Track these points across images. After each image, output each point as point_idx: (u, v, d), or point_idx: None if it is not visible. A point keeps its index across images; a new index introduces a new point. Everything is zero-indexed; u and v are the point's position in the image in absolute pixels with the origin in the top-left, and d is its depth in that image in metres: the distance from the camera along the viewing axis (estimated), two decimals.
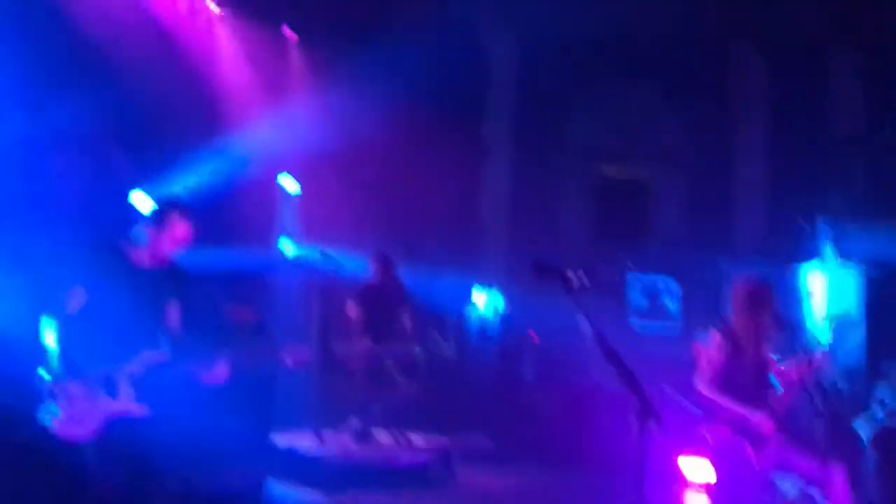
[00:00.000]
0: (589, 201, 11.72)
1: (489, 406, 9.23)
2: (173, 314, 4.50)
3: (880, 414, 7.40)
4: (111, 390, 4.11)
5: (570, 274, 3.30)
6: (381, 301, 8.16)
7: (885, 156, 10.58)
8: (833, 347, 5.10)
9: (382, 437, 7.96)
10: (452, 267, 9.87)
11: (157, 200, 4.61)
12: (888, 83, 10.48)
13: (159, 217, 4.43)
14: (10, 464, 4.39)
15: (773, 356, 5.10)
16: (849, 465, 5.07)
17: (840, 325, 5.01)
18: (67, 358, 4.07)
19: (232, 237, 8.45)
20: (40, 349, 4.12)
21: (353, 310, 8.16)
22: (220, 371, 4.37)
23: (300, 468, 7.14)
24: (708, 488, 6.12)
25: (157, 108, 7.45)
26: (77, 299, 4.19)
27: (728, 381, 4.92)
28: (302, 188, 9.26)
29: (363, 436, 7.80)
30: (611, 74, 10.90)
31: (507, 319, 9.90)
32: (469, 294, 10.28)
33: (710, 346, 5.03)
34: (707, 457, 5.91)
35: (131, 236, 4.46)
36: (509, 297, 10.18)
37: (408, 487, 7.05)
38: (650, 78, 10.99)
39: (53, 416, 3.96)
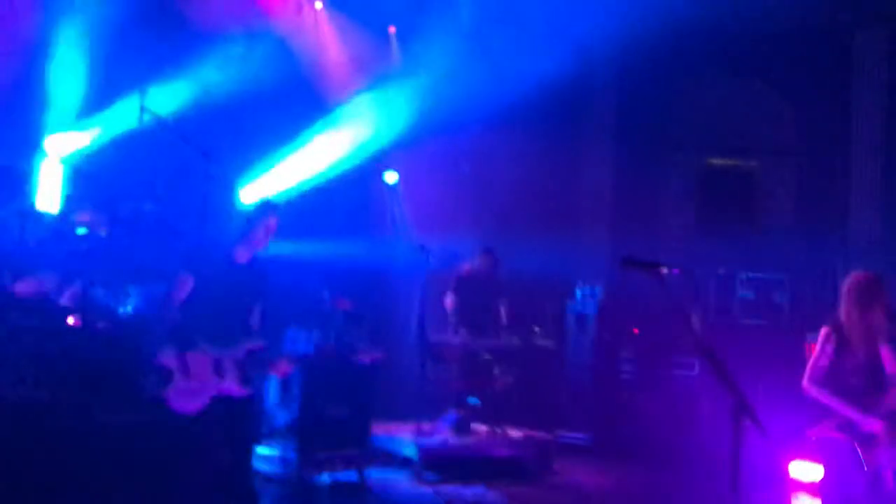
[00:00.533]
0: (693, 194, 11.45)
1: (587, 401, 9.16)
2: (257, 309, 4.91)
3: None
4: (220, 371, 4.50)
5: (663, 269, 3.24)
6: (479, 292, 8.21)
7: None
8: None
9: (480, 429, 8.00)
10: (554, 260, 9.82)
11: (252, 203, 5.04)
12: None
13: (257, 217, 4.86)
14: (124, 431, 4.69)
15: (887, 352, 4.88)
16: None
17: None
18: (183, 337, 4.46)
19: (336, 229, 8.67)
20: (158, 330, 4.56)
21: (450, 301, 8.24)
22: (284, 366, 4.85)
23: (399, 458, 7.26)
24: (817, 489, 5.93)
25: (261, 103, 7.72)
26: (186, 287, 4.62)
27: (837, 379, 4.77)
28: (403, 182, 9.39)
29: (461, 427, 7.85)
30: (718, 67, 10.62)
31: (607, 313, 9.77)
32: (571, 287, 10.19)
33: (819, 344, 4.87)
34: (815, 458, 5.73)
35: (231, 234, 4.89)
36: (610, 291, 10.05)
37: (505, 479, 7.07)
38: (760, 69, 10.65)
39: (170, 390, 4.31)
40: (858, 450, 4.63)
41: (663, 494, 7.09)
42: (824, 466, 5.10)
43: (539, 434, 8.14)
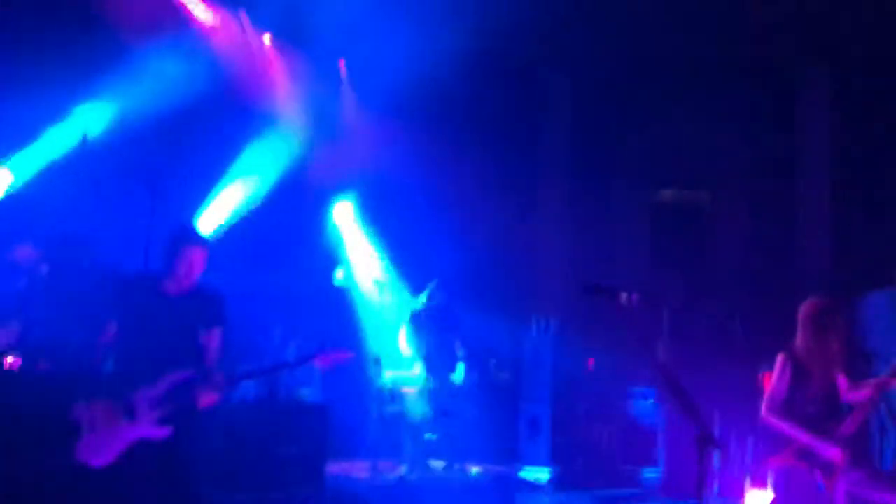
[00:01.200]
0: (646, 226, 11.57)
1: (545, 434, 9.09)
2: (211, 338, 4.62)
3: None
4: (130, 414, 4.05)
5: (623, 295, 3.20)
6: (434, 327, 8.11)
7: None
8: None
9: (438, 465, 7.86)
10: (510, 294, 9.78)
11: (173, 232, 4.71)
12: None
13: (176, 247, 4.57)
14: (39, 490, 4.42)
15: (843, 379, 4.89)
16: None
17: None
18: (94, 385, 4.24)
19: (282, 262, 8.52)
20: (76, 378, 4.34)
21: (404, 336, 8.14)
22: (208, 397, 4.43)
23: (353, 497, 7.09)
24: None
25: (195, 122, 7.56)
26: (110, 331, 4.45)
27: (794, 406, 4.75)
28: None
29: (419, 464, 7.71)
30: (669, 100, 10.78)
31: (564, 346, 9.74)
32: (526, 320, 10.16)
33: (776, 372, 4.85)
34: (776, 486, 5.72)
35: (161, 267, 4.63)
36: (567, 324, 10.04)
37: None
38: (710, 101, 10.85)
39: (79, 444, 3.86)
40: (819, 477, 4.61)
41: None
42: (784, 495, 5.09)
43: (498, 468, 8.03)
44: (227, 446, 6.34)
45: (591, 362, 9.68)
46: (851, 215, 10.85)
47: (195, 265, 4.56)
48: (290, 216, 8.93)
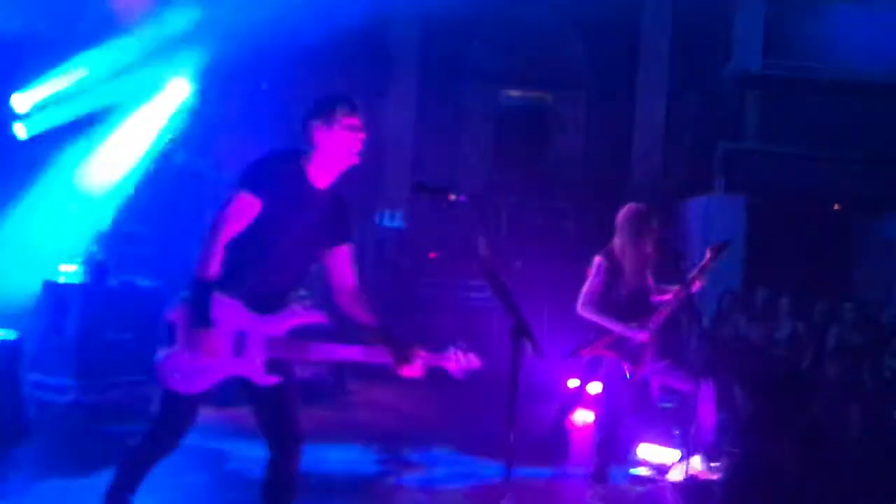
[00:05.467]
0: (491, 124, 11.81)
1: (384, 322, 9.32)
2: (340, 257, 3.59)
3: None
4: (240, 346, 3.31)
5: (451, 196, 3.33)
6: None
7: (775, 92, 10.98)
8: (711, 273, 5.32)
9: None
10: (355, 186, 9.80)
11: (324, 96, 3.58)
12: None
13: (332, 114, 3.45)
14: None
15: (653, 281, 5.31)
16: (717, 382, 5.39)
17: (720, 251, 5.25)
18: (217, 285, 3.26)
19: None
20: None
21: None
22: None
23: None
24: (591, 403, 6.46)
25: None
26: (250, 210, 3.32)
27: (608, 303, 5.10)
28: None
29: None
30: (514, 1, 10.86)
31: (407, 238, 9.97)
32: (371, 213, 10.28)
33: (593, 271, 5.19)
34: (588, 375, 6.22)
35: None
36: (411, 217, 10.24)
37: (301, 401, 7.11)
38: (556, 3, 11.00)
39: (166, 359, 3.27)
40: (625, 366, 5.05)
41: (452, 410, 7.42)
42: (597, 382, 5.55)
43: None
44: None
45: (432, 255, 9.96)
46: (684, 122, 11.50)
47: (356, 137, 3.44)
48: None
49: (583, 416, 6.87)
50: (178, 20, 8.32)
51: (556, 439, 6.44)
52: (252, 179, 3.33)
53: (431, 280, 9.79)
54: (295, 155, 3.44)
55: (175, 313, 3.29)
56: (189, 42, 8.48)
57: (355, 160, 3.46)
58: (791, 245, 10.44)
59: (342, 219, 3.57)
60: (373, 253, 9.79)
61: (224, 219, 3.28)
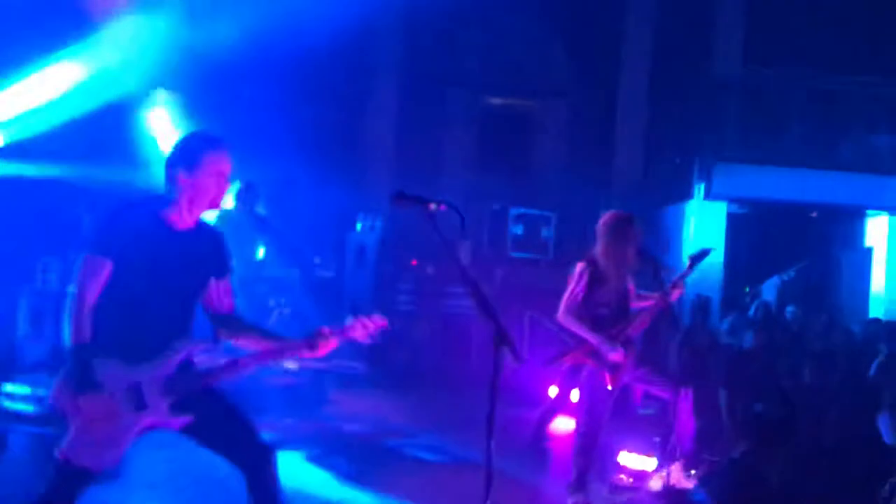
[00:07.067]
0: (473, 131, 11.81)
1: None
2: (221, 289, 3.47)
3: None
4: (138, 401, 3.17)
5: (431, 205, 3.30)
6: (237, 230, 7.72)
7: (755, 99, 11.05)
8: (691, 280, 5.32)
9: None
10: (334, 193, 9.77)
11: (188, 138, 3.55)
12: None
13: (194, 157, 3.34)
14: None
15: (635, 288, 5.31)
16: (696, 389, 5.39)
17: (700, 259, 5.26)
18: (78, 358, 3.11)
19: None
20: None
21: None
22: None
23: None
24: (572, 410, 6.44)
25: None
26: (100, 274, 3.20)
27: (589, 310, 5.10)
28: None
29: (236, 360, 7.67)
30: (498, 10, 10.87)
31: (388, 245, 9.92)
32: (352, 219, 10.23)
33: (575, 278, 5.18)
34: (570, 382, 6.21)
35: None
36: (391, 224, 10.20)
37: (279, 411, 7.06)
38: (538, 10, 11.03)
39: (68, 443, 3.09)
40: (605, 374, 5.04)
41: (433, 418, 7.38)
42: (577, 390, 5.53)
43: (314, 364, 8.15)
44: None
45: (413, 263, 9.93)
46: (664, 131, 11.55)
47: (223, 183, 3.35)
48: None
49: (564, 424, 6.85)
50: (154, 28, 8.27)
51: (537, 447, 6.41)
52: (96, 241, 3.23)
53: (412, 287, 9.75)
54: (148, 203, 3.34)
55: (56, 395, 3.13)
56: (169, 52, 8.42)
57: (217, 206, 3.40)
58: (770, 252, 10.51)
59: (216, 252, 3.47)
60: (353, 260, 9.73)
61: (79, 285, 3.15)
